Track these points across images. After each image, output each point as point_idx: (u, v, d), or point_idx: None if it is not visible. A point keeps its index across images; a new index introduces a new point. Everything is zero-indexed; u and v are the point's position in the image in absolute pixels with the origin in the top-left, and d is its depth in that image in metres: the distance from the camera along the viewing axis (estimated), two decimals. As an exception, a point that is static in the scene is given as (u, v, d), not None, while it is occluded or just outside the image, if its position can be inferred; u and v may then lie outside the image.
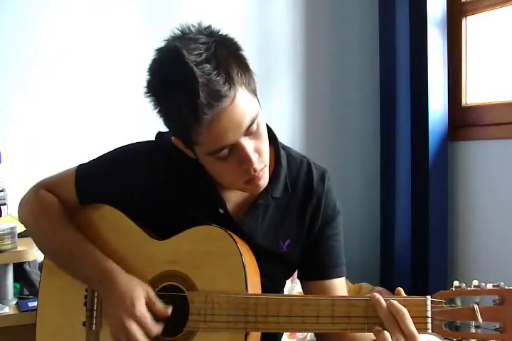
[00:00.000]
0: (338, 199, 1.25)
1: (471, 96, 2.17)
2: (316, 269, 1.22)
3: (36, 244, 1.23)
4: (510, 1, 1.97)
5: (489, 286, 0.98)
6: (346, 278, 2.19)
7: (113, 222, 1.18)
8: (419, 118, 2.13)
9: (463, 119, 2.15)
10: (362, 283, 2.22)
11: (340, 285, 1.22)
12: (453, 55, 2.14)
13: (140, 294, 1.06)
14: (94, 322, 1.13)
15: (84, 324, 1.14)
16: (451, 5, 2.14)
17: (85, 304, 1.15)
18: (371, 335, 1.02)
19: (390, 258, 2.31)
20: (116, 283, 1.07)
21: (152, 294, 1.08)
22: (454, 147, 2.15)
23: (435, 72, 2.10)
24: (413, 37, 2.16)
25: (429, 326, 0.98)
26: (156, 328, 1.06)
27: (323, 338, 1.24)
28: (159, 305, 1.07)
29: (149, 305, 1.07)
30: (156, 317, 1.07)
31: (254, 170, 1.04)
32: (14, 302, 1.63)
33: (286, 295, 1.16)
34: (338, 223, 1.24)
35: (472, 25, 2.16)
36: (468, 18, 2.16)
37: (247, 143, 1.01)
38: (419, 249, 2.16)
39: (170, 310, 1.08)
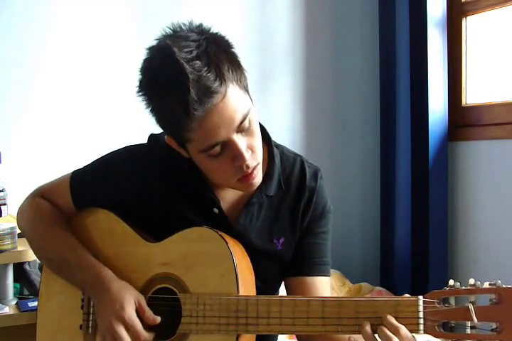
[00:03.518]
0: (330, 199, 1.23)
1: (471, 96, 2.17)
2: (297, 264, 1.19)
3: (34, 251, 1.24)
4: (510, 1, 1.97)
5: (486, 285, 0.95)
6: (346, 278, 2.20)
7: (108, 225, 1.18)
8: (419, 118, 2.13)
9: (463, 119, 2.15)
10: (362, 283, 2.22)
11: (321, 285, 1.18)
12: (453, 55, 2.14)
13: (130, 299, 1.06)
14: (91, 325, 1.13)
15: (81, 327, 1.14)
16: (451, 5, 2.14)
17: (82, 307, 1.15)
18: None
19: (390, 258, 2.31)
20: (107, 288, 1.07)
21: (143, 301, 1.08)
22: (453, 147, 2.15)
23: (435, 72, 2.10)
24: (413, 37, 2.16)
25: (421, 327, 0.95)
26: (145, 335, 1.04)
27: None
28: (149, 312, 1.06)
29: (139, 312, 1.06)
30: (145, 325, 1.05)
31: (247, 167, 1.03)
32: (14, 302, 1.63)
33: (276, 296, 1.14)
34: (327, 222, 1.22)
35: (472, 25, 2.15)
36: (468, 18, 2.16)
37: (239, 140, 1.01)
38: (419, 248, 2.16)
39: (159, 319, 1.07)
